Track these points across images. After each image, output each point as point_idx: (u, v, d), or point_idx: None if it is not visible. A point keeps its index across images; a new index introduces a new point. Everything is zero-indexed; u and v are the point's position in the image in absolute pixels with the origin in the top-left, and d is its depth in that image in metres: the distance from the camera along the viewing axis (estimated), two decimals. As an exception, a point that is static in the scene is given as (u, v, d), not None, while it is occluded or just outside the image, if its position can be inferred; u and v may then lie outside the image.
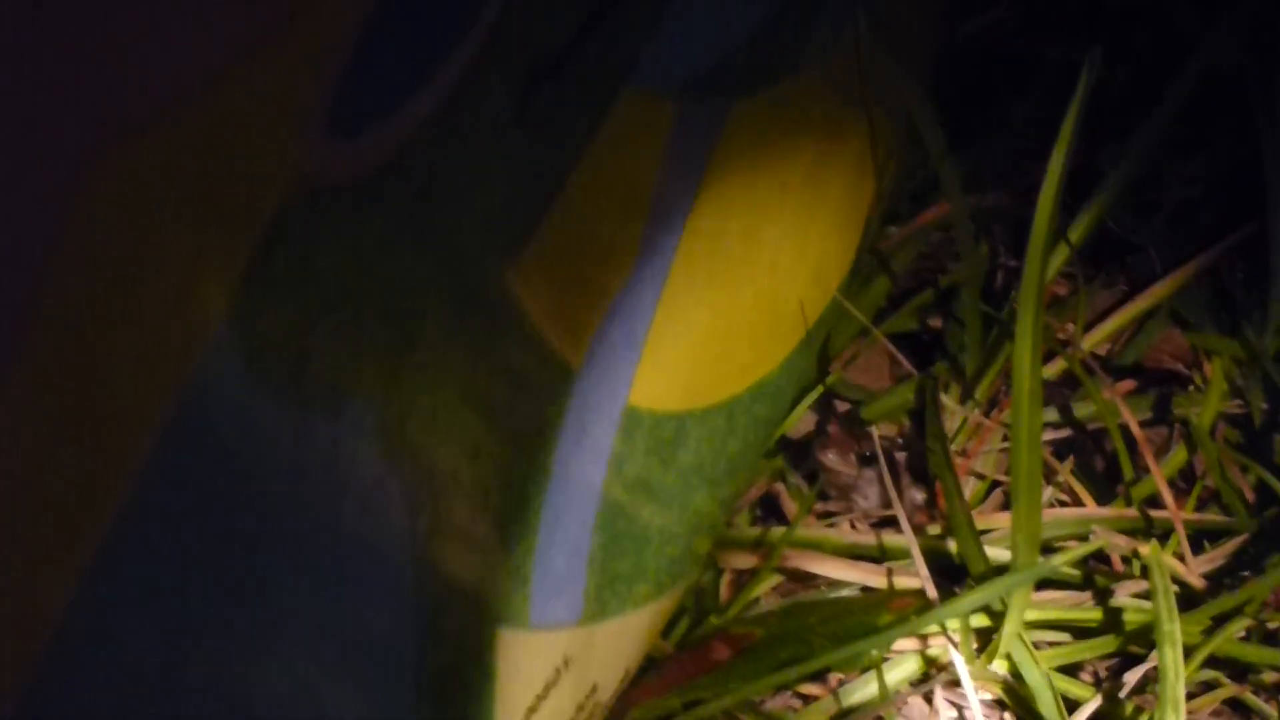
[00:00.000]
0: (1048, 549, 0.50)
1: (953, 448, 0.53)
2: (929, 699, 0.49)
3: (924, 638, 0.49)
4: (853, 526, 0.52)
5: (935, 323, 0.57)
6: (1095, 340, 0.56)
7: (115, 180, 0.24)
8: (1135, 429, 0.51)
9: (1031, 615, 0.49)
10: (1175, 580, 0.49)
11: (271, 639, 0.31)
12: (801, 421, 0.54)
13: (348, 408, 0.32)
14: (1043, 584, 0.49)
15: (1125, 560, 0.51)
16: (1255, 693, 0.49)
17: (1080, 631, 0.50)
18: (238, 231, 0.27)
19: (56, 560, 0.26)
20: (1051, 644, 0.50)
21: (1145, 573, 0.50)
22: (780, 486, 0.53)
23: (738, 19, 0.41)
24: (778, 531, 0.51)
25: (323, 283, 0.30)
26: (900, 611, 0.49)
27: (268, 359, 0.29)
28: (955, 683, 0.48)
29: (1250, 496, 0.53)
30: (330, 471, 0.32)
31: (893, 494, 0.50)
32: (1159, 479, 0.51)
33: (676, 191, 0.41)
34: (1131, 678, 0.48)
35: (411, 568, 0.35)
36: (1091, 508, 0.52)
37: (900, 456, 0.53)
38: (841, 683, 0.49)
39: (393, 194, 0.31)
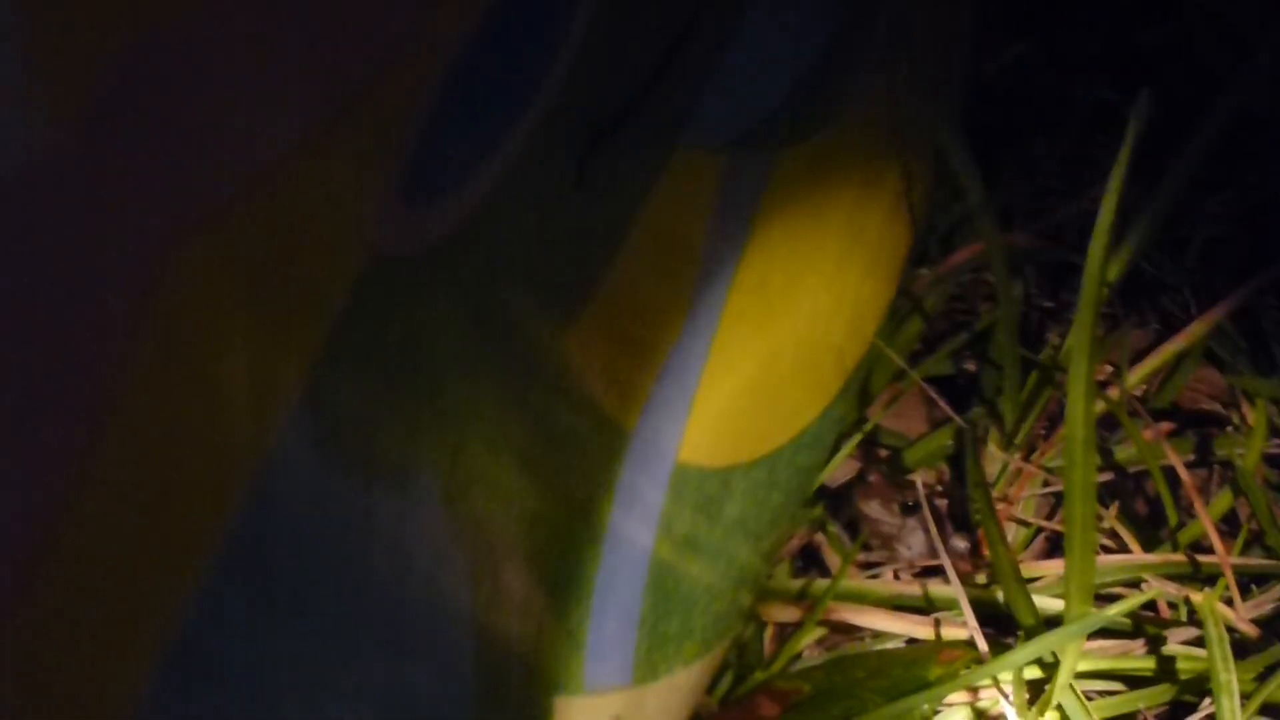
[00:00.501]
0: (1097, 596, 0.49)
1: (994, 494, 0.52)
2: (981, 752, 0.48)
3: (974, 690, 0.48)
4: (896, 577, 0.51)
5: (971, 366, 0.56)
6: (1133, 381, 0.55)
7: (194, 272, 0.24)
8: (1182, 471, 0.51)
9: (1083, 665, 0.48)
10: (1226, 626, 0.49)
11: (338, 710, 0.31)
12: (840, 469, 0.54)
13: (413, 481, 0.31)
14: (1093, 633, 0.49)
15: (1172, 605, 0.50)
16: (1307, 738, 0.49)
17: (1132, 680, 0.49)
18: (311, 313, 0.27)
19: (134, 646, 0.25)
20: (1103, 693, 0.49)
21: (1193, 618, 0.49)
22: (821, 537, 0.53)
23: (783, 74, 0.40)
24: (821, 583, 0.50)
25: (390, 358, 0.29)
26: (949, 664, 0.48)
27: (338, 438, 0.29)
28: (1008, 736, 0.47)
29: (1293, 538, 0.52)
30: (396, 545, 0.32)
31: (938, 543, 0.50)
32: (1207, 523, 0.50)
33: (726, 246, 0.41)
34: (1186, 727, 0.48)
35: (473, 637, 0.35)
36: (1138, 554, 0.51)
37: (942, 504, 0.52)
38: (892, 738, 0.48)
39: (458, 263, 0.30)
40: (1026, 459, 0.53)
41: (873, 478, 0.51)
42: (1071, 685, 0.47)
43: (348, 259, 0.27)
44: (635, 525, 0.41)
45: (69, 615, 0.24)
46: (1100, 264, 0.43)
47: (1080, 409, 0.44)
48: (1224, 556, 0.50)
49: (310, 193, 0.26)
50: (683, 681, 0.45)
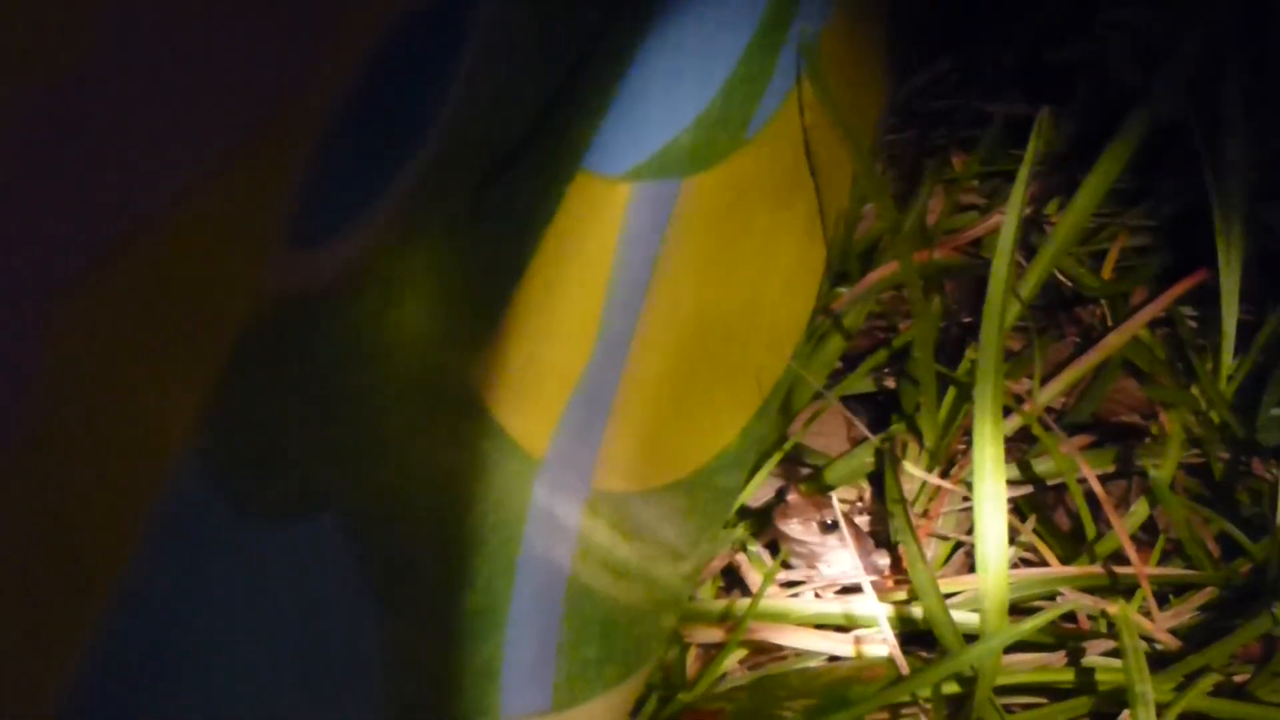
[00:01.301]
0: (1016, 609, 0.50)
1: (914, 510, 0.53)
2: (903, 768, 0.48)
3: (896, 707, 0.48)
4: (817, 595, 0.52)
5: (891, 382, 0.57)
6: (1050, 394, 0.56)
7: (86, 313, 0.24)
8: (1095, 485, 0.51)
9: (1003, 679, 0.48)
10: (1144, 637, 0.49)
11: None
12: (761, 489, 0.54)
13: (317, 518, 0.31)
14: (1012, 646, 0.49)
15: (1092, 617, 0.51)
16: (1227, 746, 0.49)
17: (1053, 693, 0.49)
18: (204, 351, 0.27)
19: (31, 694, 0.25)
20: (1024, 706, 0.49)
21: (1113, 629, 0.50)
22: (743, 557, 0.53)
23: (685, 100, 0.41)
24: (742, 604, 0.51)
25: (288, 395, 0.29)
26: (870, 681, 0.48)
27: (237, 476, 0.29)
28: (929, 751, 0.47)
29: (1213, 547, 0.53)
30: (302, 581, 0.32)
31: (856, 562, 0.50)
32: (1122, 536, 0.50)
33: (634, 270, 0.41)
34: (1105, 738, 0.48)
35: (383, 669, 0.35)
36: (1056, 566, 0.51)
37: (862, 521, 0.53)
38: (815, 757, 0.48)
39: (355, 300, 0.30)
40: (945, 474, 0.54)
41: (792, 497, 0.51)
42: (991, 699, 0.47)
43: (238, 299, 0.27)
44: (551, 551, 0.41)
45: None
46: (1004, 281, 0.43)
47: (988, 428, 0.44)
48: (1140, 568, 0.50)
49: (199, 237, 0.26)
50: (605, 706, 0.45)
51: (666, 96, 0.39)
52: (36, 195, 0.22)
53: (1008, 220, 0.43)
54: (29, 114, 0.22)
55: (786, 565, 0.52)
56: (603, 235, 0.39)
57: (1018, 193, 0.43)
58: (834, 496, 0.52)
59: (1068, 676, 0.49)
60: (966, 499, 0.53)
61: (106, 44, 0.23)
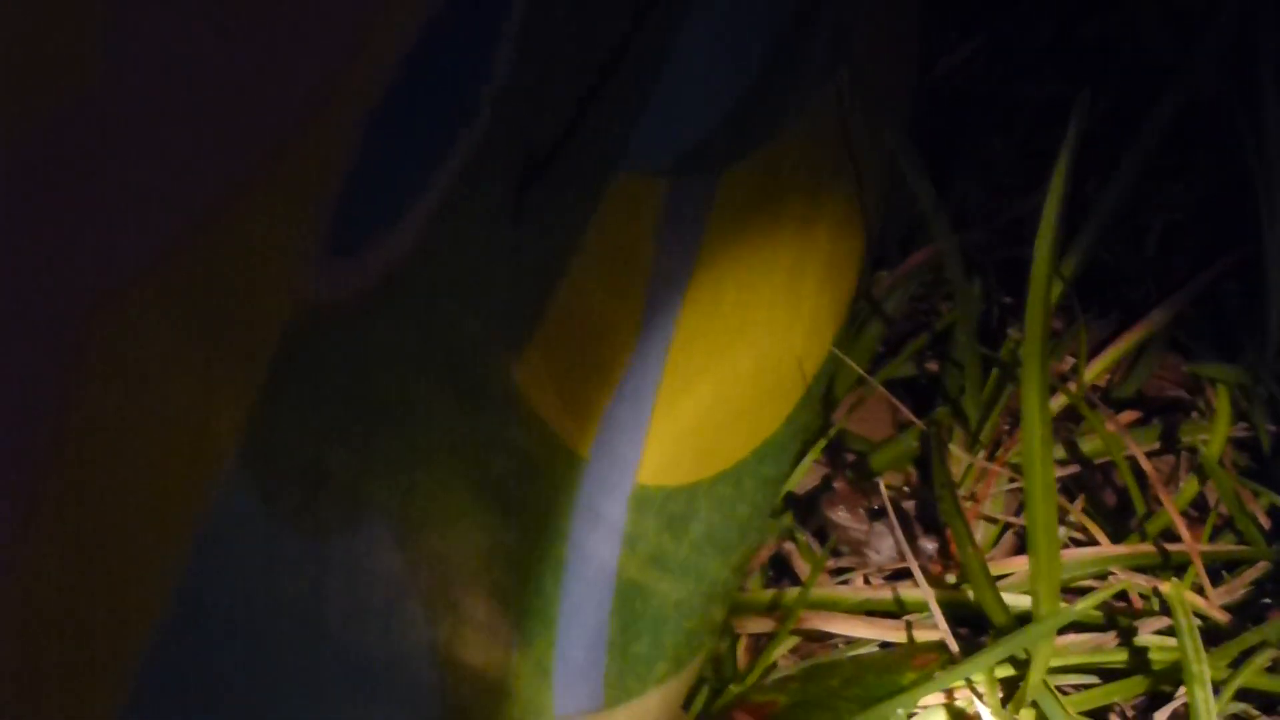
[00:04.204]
0: (1066, 590, 0.49)
1: (960, 493, 0.52)
2: (958, 753, 0.48)
3: (950, 691, 0.48)
4: (867, 581, 0.52)
5: (933, 366, 0.57)
6: (1094, 372, 0.55)
7: (121, 328, 0.24)
8: (1144, 461, 0.51)
9: (1056, 660, 0.48)
10: (1197, 614, 0.49)
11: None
12: (807, 477, 0.54)
13: (364, 524, 0.31)
14: (1064, 627, 0.49)
15: (1144, 596, 0.50)
16: (1285, 722, 0.49)
17: (1107, 673, 0.49)
18: (244, 364, 0.27)
19: (87, 708, 0.25)
20: (1078, 687, 0.49)
21: (1166, 608, 0.49)
22: (791, 545, 0.53)
23: (720, 94, 0.41)
24: (792, 593, 0.51)
25: (331, 402, 0.29)
26: (923, 667, 0.48)
27: (282, 487, 0.29)
28: (984, 735, 0.47)
29: (1264, 521, 0.52)
30: (350, 589, 0.32)
31: (904, 547, 0.50)
32: (1173, 512, 0.50)
33: (673, 265, 0.41)
34: (1161, 717, 0.48)
35: (435, 673, 0.35)
36: (1106, 545, 0.51)
37: (909, 506, 0.52)
38: (869, 744, 0.48)
39: (395, 304, 0.30)
40: (991, 457, 0.53)
41: (838, 484, 0.51)
42: (1045, 681, 0.47)
43: (277, 310, 0.27)
44: (598, 548, 0.41)
45: (8, 684, 0.24)
46: (1047, 261, 0.43)
47: (1035, 408, 0.44)
48: (1191, 544, 0.50)
49: (235, 246, 0.26)
50: (656, 701, 0.45)
51: (702, 89, 0.39)
52: (69, 209, 0.22)
53: (1049, 201, 0.43)
54: (59, 125, 0.22)
55: (835, 553, 0.52)
56: (642, 231, 0.39)
57: (1059, 174, 0.42)
58: (880, 482, 0.52)
59: (1121, 657, 0.49)
60: (1013, 480, 0.53)
61: (135, 49, 0.23)
